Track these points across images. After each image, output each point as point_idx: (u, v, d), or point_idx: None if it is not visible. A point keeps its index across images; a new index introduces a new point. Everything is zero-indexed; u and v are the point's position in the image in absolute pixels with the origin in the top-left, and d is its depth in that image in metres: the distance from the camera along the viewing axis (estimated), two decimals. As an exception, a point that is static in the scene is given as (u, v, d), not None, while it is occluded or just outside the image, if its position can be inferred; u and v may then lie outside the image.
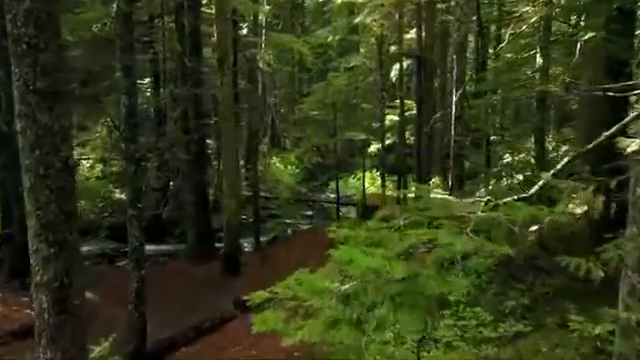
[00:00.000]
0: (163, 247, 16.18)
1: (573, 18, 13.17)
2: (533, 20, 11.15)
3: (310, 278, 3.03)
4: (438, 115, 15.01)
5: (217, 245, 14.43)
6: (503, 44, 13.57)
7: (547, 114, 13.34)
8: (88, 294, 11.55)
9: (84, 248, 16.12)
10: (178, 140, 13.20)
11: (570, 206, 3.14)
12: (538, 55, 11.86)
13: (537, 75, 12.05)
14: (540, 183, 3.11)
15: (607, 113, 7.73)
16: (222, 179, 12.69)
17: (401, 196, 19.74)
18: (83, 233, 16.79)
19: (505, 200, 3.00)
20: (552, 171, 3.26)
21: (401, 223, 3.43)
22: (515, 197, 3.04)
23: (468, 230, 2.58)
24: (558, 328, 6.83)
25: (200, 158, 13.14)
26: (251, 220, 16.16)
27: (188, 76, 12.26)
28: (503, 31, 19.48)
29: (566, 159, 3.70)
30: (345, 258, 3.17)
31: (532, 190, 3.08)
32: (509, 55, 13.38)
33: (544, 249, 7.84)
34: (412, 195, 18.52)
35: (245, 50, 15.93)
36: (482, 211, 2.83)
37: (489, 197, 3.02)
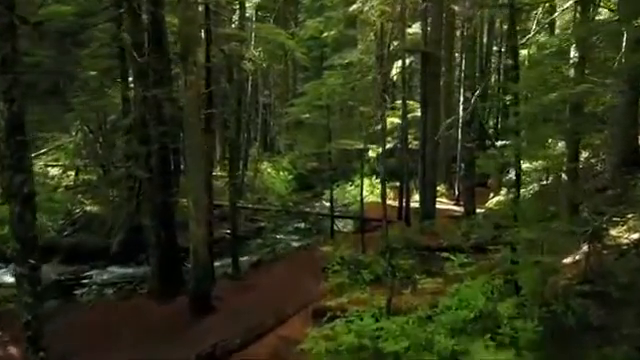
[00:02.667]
0: (130, 270, 14.24)
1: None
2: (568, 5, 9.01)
3: None
4: (449, 121, 12.93)
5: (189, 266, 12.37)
6: (531, 34, 11.37)
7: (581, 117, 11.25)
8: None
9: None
10: (135, 152, 10.96)
11: None
12: (572, 48, 9.70)
13: (572, 72, 9.87)
14: None
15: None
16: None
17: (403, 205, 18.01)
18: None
19: None
20: None
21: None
22: None
23: None
24: None
25: (164, 173, 10.89)
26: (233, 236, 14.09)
27: (145, 74, 10.07)
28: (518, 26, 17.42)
29: None
30: None
31: None
32: (533, 51, 11.23)
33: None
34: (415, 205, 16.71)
35: (224, 44, 13.76)
36: None
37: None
